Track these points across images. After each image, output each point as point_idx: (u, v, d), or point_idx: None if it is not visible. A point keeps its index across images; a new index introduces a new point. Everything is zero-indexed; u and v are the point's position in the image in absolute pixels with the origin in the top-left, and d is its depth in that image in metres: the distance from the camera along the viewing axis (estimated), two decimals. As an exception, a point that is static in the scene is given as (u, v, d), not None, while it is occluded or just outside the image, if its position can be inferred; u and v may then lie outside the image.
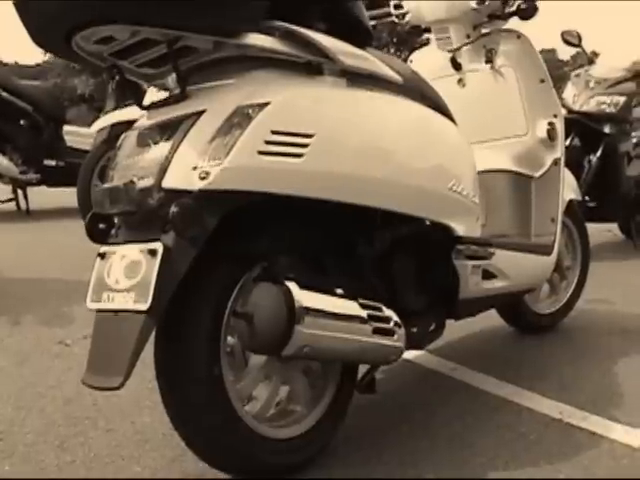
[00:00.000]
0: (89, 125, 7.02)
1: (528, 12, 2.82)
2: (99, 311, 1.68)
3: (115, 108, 6.32)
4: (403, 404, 2.44)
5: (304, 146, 1.71)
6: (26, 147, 6.98)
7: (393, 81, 2.04)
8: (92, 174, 5.75)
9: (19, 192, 7.05)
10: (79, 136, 7.30)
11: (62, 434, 2.19)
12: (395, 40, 17.62)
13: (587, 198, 5.19)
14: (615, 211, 5.68)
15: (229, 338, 1.81)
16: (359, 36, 1.99)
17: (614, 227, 6.14)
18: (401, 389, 2.59)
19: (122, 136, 1.84)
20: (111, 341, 1.64)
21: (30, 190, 7.13)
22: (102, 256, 1.73)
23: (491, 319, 3.07)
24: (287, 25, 1.76)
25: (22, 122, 6.97)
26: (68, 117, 8.30)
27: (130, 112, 5.23)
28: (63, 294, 3.76)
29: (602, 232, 6.00)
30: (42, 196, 7.49)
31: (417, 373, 2.74)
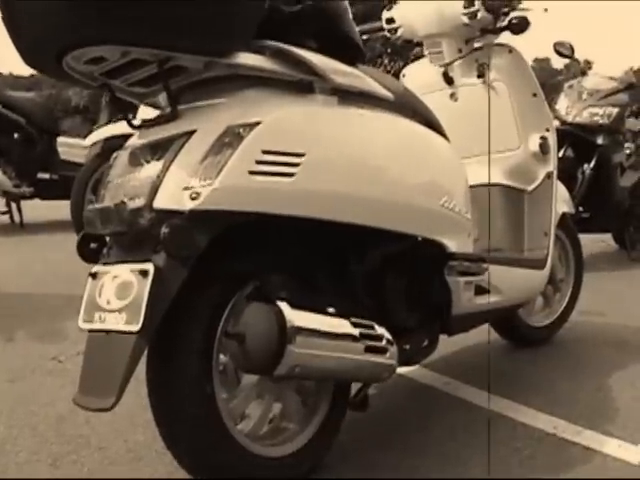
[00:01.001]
0: (83, 137, 7.01)
1: (520, 26, 2.82)
2: (91, 331, 1.68)
3: (108, 122, 6.31)
4: (396, 419, 2.44)
5: (295, 165, 1.71)
6: (19, 160, 6.97)
7: (384, 98, 2.05)
8: (86, 188, 5.74)
9: (13, 205, 7.03)
10: (73, 147, 7.29)
11: (55, 452, 2.18)
12: (389, 50, 17.63)
13: (581, 209, 5.21)
14: (609, 222, 5.70)
15: (221, 356, 1.80)
16: (350, 53, 1.99)
17: (608, 237, 6.15)
18: (394, 404, 2.58)
19: (114, 155, 1.84)
20: (103, 362, 1.64)
21: (24, 203, 7.11)
22: (94, 276, 1.72)
23: (485, 333, 3.06)
24: (277, 44, 1.77)
25: (15, 135, 6.96)
26: (62, 128, 8.29)
27: (124, 126, 5.22)
28: (57, 309, 3.75)
29: (596, 242, 6.01)
30: (36, 209, 7.48)
31: (410, 388, 2.73)
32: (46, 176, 7.13)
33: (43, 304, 3.98)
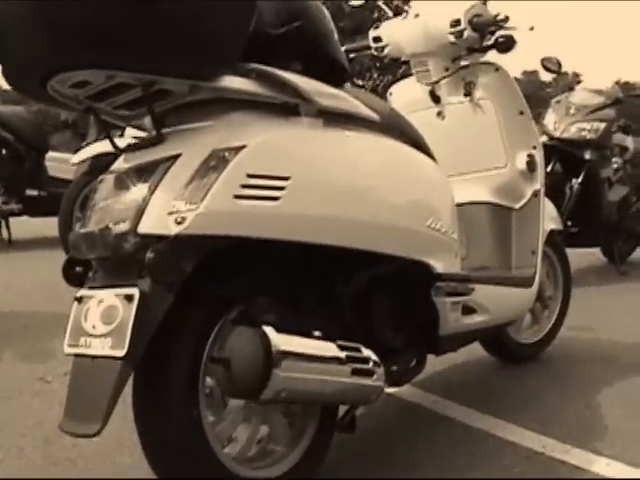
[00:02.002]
0: (73, 152, 6.98)
1: (506, 45, 2.83)
2: (77, 356, 1.68)
3: (97, 138, 6.29)
4: (384, 439, 2.43)
5: (280, 189, 1.71)
6: (7, 177, 6.95)
7: (370, 119, 2.05)
8: (74, 204, 5.71)
9: (1, 222, 7.01)
10: (63, 162, 7.25)
11: (42, 474, 2.16)
12: (378, 65, 17.67)
13: (569, 223, 5.24)
14: (597, 236, 5.73)
15: (208, 380, 1.79)
16: (335, 75, 2.00)
17: (596, 251, 6.16)
18: (382, 423, 2.57)
19: (99, 179, 1.84)
20: (88, 387, 1.63)
21: (12, 220, 7.08)
22: (79, 300, 1.72)
23: (473, 350, 3.05)
24: (263, 67, 1.77)
25: (3, 151, 6.94)
26: (52, 143, 8.26)
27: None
28: (45, 327, 3.72)
29: (584, 256, 6.01)
30: (24, 226, 7.45)
31: (398, 406, 2.73)
32: (34, 193, 7.10)
33: (31, 322, 3.95)
